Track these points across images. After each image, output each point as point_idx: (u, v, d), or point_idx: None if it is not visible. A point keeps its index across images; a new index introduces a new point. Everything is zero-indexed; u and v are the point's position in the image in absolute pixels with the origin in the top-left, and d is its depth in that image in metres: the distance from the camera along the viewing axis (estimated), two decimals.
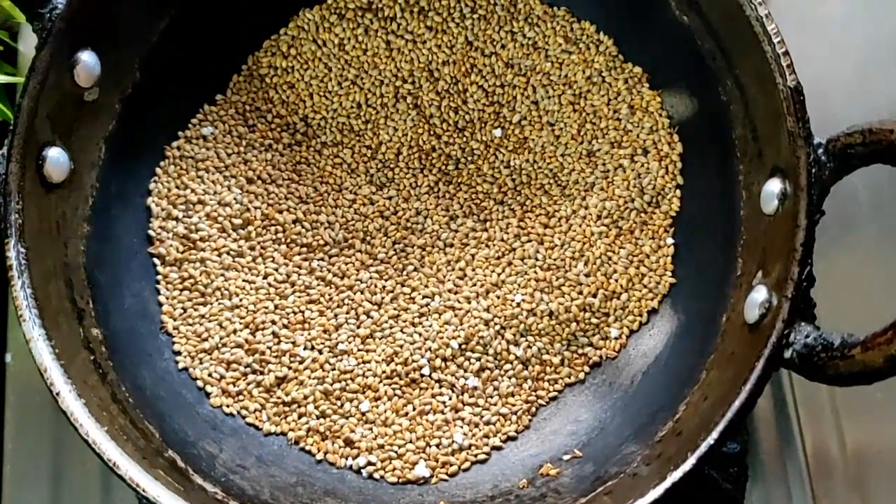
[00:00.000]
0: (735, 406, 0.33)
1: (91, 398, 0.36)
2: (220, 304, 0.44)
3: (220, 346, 0.43)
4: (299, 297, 0.45)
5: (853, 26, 0.50)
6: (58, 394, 0.36)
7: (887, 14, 0.49)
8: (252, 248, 0.45)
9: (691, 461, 0.33)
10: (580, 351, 0.44)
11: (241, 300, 0.44)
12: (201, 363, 0.43)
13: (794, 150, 0.35)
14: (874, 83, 0.49)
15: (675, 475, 0.34)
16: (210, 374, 0.43)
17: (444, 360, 0.43)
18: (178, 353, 0.43)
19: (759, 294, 0.36)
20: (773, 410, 0.45)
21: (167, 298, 0.44)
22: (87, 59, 0.40)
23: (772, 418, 0.45)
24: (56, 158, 0.39)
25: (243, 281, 0.45)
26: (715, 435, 0.33)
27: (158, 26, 0.44)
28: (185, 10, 0.45)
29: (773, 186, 0.37)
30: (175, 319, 0.44)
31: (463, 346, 0.43)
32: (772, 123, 0.37)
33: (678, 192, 0.44)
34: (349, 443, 0.42)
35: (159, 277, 0.44)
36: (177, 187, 0.46)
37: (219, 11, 0.46)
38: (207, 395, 0.43)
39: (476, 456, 0.42)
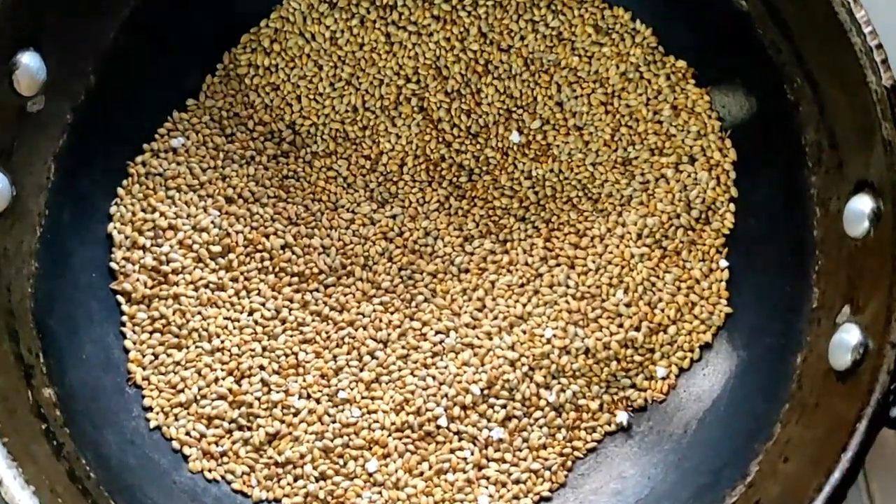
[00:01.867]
0: (835, 479, 0.28)
1: (42, 482, 0.31)
2: (197, 347, 0.38)
3: (198, 398, 0.38)
4: (291, 336, 0.39)
5: None
6: (0, 482, 0.29)
7: None
8: (234, 280, 0.40)
9: None
10: (622, 394, 0.39)
11: (222, 342, 0.39)
12: (177, 420, 0.38)
13: (893, 164, 0.31)
14: None
15: None
16: (188, 433, 0.37)
17: (464, 408, 0.38)
18: (150, 410, 0.38)
19: (850, 335, 0.31)
20: None
21: (135, 343, 0.38)
22: (29, 62, 0.35)
23: None
24: None
25: (225, 319, 0.39)
26: None
27: (117, 19, 0.39)
28: None
29: (862, 204, 0.32)
30: (144, 368, 0.38)
31: (485, 392, 0.38)
32: (858, 129, 0.32)
33: (732, 206, 0.40)
34: None
35: (125, 319, 0.38)
36: (143, 210, 0.40)
37: (188, 1, 0.40)
38: (185, 458, 0.37)
39: None
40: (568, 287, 0.40)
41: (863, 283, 0.31)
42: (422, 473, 0.37)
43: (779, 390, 0.34)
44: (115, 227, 0.39)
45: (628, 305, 0.39)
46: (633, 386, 0.39)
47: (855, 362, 0.30)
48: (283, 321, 0.39)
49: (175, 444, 0.37)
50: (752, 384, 0.36)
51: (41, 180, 0.37)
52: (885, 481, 0.38)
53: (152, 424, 0.37)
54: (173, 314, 0.39)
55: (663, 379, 0.38)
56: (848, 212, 0.33)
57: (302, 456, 0.37)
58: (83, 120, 0.38)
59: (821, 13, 0.32)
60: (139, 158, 0.40)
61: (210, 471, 0.37)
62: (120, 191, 0.40)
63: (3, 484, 0.29)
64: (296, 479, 0.37)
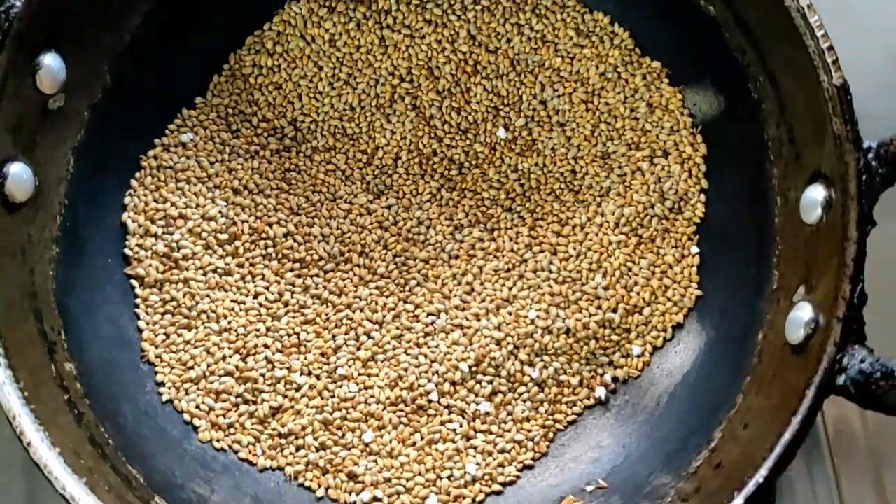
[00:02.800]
0: (785, 440, 0.31)
1: (66, 444, 0.33)
2: (206, 328, 0.41)
3: (207, 374, 0.40)
4: (293, 317, 0.42)
5: (880, 12, 0.47)
6: (29, 444, 0.32)
7: None
8: (240, 266, 0.42)
9: (738, 502, 0.30)
10: (600, 370, 0.41)
11: (229, 323, 0.41)
12: (187, 394, 0.40)
13: (842, 155, 0.32)
14: None
15: None
16: (198, 406, 0.40)
17: (453, 383, 0.41)
18: (162, 385, 0.40)
19: (804, 312, 0.33)
20: None
21: (148, 324, 0.41)
22: (51, 63, 0.37)
23: None
24: (19, 175, 0.36)
25: (231, 302, 0.41)
26: (764, 472, 0.31)
27: (131, 24, 0.41)
28: (160, 5, 0.41)
29: (816, 193, 0.34)
30: (157, 347, 0.40)
31: (473, 369, 0.41)
32: (813, 125, 0.34)
33: (702, 196, 0.42)
34: (352, 477, 0.39)
35: (138, 301, 0.41)
36: (155, 201, 0.42)
37: (197, 6, 0.42)
38: (195, 429, 0.40)
39: (491, 487, 0.39)
40: (550, 272, 0.42)
41: (816, 265, 0.34)
42: (414, 444, 0.40)
43: (742, 365, 0.36)
44: (129, 216, 0.42)
45: (606, 289, 0.41)
46: (611, 363, 0.41)
47: (807, 336, 0.32)
48: (286, 304, 0.42)
49: (186, 417, 0.39)
50: (718, 360, 0.39)
51: (62, 172, 0.39)
52: (851, 469, 0.41)
53: (164, 398, 0.40)
54: (183, 297, 0.41)
55: (638, 356, 0.41)
56: (804, 200, 0.35)
57: (303, 428, 0.39)
58: (100, 116, 0.40)
59: (779, 18, 0.34)
60: (151, 152, 0.43)
61: (218, 441, 0.39)
62: (133, 182, 0.42)
63: (32, 445, 0.32)
64: (298, 449, 0.39)
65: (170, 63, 0.43)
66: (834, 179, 0.33)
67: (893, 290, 0.36)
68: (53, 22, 0.36)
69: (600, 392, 0.41)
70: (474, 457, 0.39)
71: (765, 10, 0.35)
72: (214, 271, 0.42)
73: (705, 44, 0.40)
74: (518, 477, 0.39)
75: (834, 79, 0.33)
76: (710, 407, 0.37)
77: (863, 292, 0.31)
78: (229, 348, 0.41)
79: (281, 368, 0.40)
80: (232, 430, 0.40)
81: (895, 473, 0.41)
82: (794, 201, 0.36)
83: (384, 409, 0.40)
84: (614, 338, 0.41)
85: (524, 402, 0.40)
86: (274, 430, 0.40)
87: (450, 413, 0.40)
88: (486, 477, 0.39)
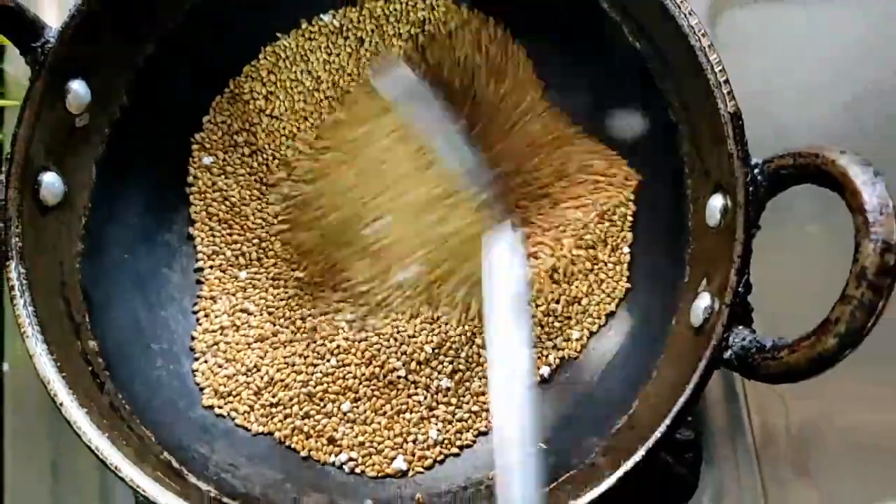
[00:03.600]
0: (680, 402, 0.37)
1: (91, 407, 0.39)
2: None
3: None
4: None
5: (798, 43, 0.53)
6: (61, 404, 0.38)
7: (834, 30, 0.53)
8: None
9: (641, 452, 0.37)
10: (544, 352, 0.47)
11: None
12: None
13: (733, 170, 0.38)
14: (820, 95, 0.52)
15: (628, 464, 0.37)
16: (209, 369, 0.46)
17: (419, 363, 0.46)
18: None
19: (704, 300, 0.39)
20: (724, 394, 0.49)
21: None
22: (78, 88, 0.42)
23: (722, 401, 0.49)
24: (51, 183, 0.42)
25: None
26: (662, 428, 0.37)
27: (144, 54, 0.46)
28: (170, 36, 0.47)
29: (716, 201, 0.39)
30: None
31: (436, 351, 0.46)
32: (714, 144, 0.39)
33: (632, 206, 0.47)
34: (332, 441, 0.45)
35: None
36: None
37: (202, 37, 0.48)
38: (202, 390, 0.45)
39: (450, 450, 0.45)
40: None
41: (715, 261, 0.39)
42: (385, 413, 0.45)
43: (658, 346, 0.41)
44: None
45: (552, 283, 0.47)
46: (554, 346, 0.46)
47: (705, 320, 0.38)
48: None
49: (198, 379, 0.46)
50: (641, 342, 0.44)
51: (86, 180, 0.43)
52: (777, 470, 0.46)
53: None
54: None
55: (577, 340, 0.46)
56: (708, 208, 0.40)
57: (291, 399, 0.45)
58: (119, 132, 0.44)
59: (688, 55, 0.40)
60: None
61: (219, 407, 0.45)
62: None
63: (64, 406, 0.38)
64: (286, 417, 0.45)
65: (178, 86, 0.48)
66: (729, 190, 0.38)
67: (779, 282, 0.43)
68: (81, 54, 0.42)
69: (545, 370, 0.47)
70: (436, 424, 0.45)
71: (677, 48, 0.41)
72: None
73: (635, 72, 0.45)
74: (474, 441, 0.45)
75: (728, 107, 0.38)
76: (633, 380, 0.42)
77: (748, 283, 0.37)
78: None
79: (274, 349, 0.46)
80: (231, 399, 0.45)
81: (812, 455, 0.47)
82: (702, 208, 0.41)
83: (360, 383, 0.46)
84: (557, 324, 0.47)
85: (480, 378, 0.46)
86: (266, 400, 0.45)
87: (416, 388, 0.46)
88: (446, 441, 0.45)
